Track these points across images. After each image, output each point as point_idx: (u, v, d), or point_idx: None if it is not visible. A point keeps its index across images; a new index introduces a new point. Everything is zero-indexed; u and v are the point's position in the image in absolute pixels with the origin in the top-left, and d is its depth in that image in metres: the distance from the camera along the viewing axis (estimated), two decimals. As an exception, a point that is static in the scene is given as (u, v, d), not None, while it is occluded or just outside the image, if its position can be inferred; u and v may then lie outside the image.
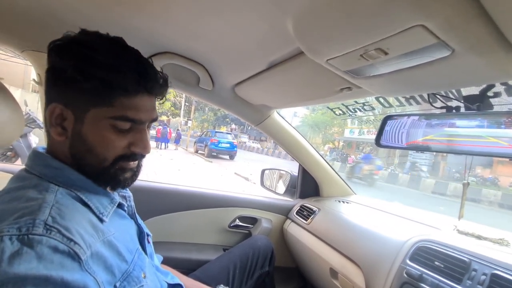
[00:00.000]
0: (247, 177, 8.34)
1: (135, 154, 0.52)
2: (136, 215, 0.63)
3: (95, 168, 0.50)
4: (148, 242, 0.64)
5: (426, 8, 0.39)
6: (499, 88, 0.63)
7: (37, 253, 0.35)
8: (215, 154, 13.76)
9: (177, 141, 17.21)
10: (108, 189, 0.54)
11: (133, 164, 0.54)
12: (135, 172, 0.55)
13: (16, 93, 7.41)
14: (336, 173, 1.52)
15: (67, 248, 0.38)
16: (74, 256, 0.38)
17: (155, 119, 0.54)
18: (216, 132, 15.00)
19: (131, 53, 0.50)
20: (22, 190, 0.44)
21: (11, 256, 0.34)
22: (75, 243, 0.39)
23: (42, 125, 1.06)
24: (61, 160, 0.50)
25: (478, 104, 0.63)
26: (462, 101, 0.66)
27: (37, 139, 4.44)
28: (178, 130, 18.50)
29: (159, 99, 0.55)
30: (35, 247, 0.36)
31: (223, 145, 13.52)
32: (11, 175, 0.72)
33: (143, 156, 0.55)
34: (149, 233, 0.66)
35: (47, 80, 0.50)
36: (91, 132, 0.48)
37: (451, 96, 0.70)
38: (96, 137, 0.48)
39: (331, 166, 1.50)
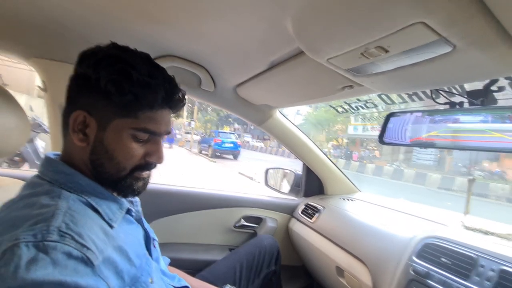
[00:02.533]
0: (252, 176, 8.34)
1: (150, 164, 0.55)
2: (143, 219, 0.64)
3: (113, 176, 0.52)
4: (154, 247, 0.65)
5: (427, 5, 0.39)
6: (503, 82, 0.62)
7: (52, 259, 0.36)
8: (219, 154, 13.78)
9: (171, 140, 17.49)
10: (120, 196, 0.55)
11: (147, 174, 0.56)
12: (146, 181, 0.57)
13: (21, 98, 7.49)
14: (340, 170, 1.51)
15: (80, 254, 0.39)
16: (87, 262, 0.39)
17: (169, 132, 0.56)
18: (220, 132, 15.02)
19: (159, 71, 0.52)
20: (35, 197, 0.45)
21: (28, 262, 0.35)
22: (88, 248, 0.40)
23: (48, 130, 1.07)
24: (77, 166, 0.51)
25: (482, 99, 0.62)
26: (466, 96, 0.66)
27: (44, 144, 4.49)
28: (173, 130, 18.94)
29: (174, 113, 0.58)
30: (50, 253, 0.36)
31: (227, 145, 13.54)
32: (18, 181, 0.74)
33: (156, 166, 0.57)
34: (155, 237, 0.67)
35: (72, 87, 0.51)
36: (112, 140, 0.50)
37: (454, 91, 0.69)
38: (117, 145, 0.50)
39: (334, 164, 1.50)
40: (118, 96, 0.47)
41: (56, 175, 0.49)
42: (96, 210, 0.48)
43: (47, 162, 0.52)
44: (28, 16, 0.72)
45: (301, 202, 1.52)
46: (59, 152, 0.56)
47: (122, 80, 0.47)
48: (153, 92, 0.49)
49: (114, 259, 0.44)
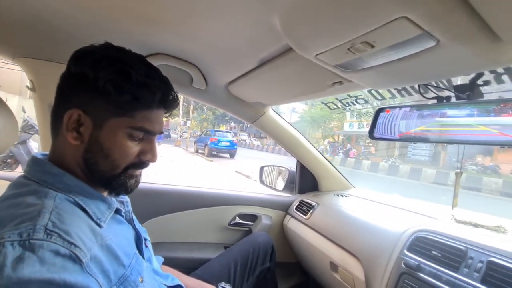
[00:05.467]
0: (248, 175, 8.35)
1: (143, 162, 0.55)
2: (134, 220, 0.64)
3: (107, 174, 0.52)
4: (146, 247, 0.65)
5: (409, 0, 0.39)
6: (488, 76, 0.63)
7: (39, 257, 0.36)
8: (215, 153, 13.77)
9: (160, 137, 17.44)
10: (112, 195, 0.55)
11: (139, 172, 0.57)
12: (138, 179, 0.58)
13: (14, 100, 7.37)
14: (334, 167, 1.52)
15: (68, 251, 0.38)
16: (76, 259, 0.39)
17: (162, 132, 0.57)
18: (216, 131, 15.00)
19: (155, 71, 0.53)
20: (21, 197, 0.44)
21: (13, 261, 0.35)
22: (76, 246, 0.40)
23: (38, 132, 1.06)
24: (67, 165, 0.51)
25: (468, 93, 0.63)
26: (453, 90, 0.66)
27: (37, 145, 4.44)
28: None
29: (167, 113, 0.59)
30: (36, 251, 0.36)
31: (223, 143, 13.53)
32: (9, 183, 0.73)
33: (148, 165, 0.57)
34: (147, 237, 0.67)
35: (65, 85, 0.51)
36: (108, 138, 0.50)
37: (441, 86, 0.70)
38: (112, 144, 0.50)
39: (328, 161, 1.51)
40: (117, 95, 0.48)
41: (44, 176, 0.49)
42: (84, 210, 0.48)
43: (34, 162, 0.51)
44: (15, 15, 0.71)
45: (295, 199, 1.52)
46: (46, 152, 0.55)
47: (121, 80, 0.48)
48: (151, 92, 0.50)
49: (100, 258, 0.44)
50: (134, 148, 0.52)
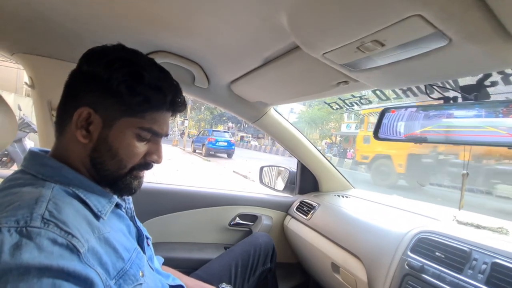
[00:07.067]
0: (246, 175, 8.34)
1: (148, 163, 0.56)
2: (135, 218, 0.63)
3: (113, 174, 0.52)
4: (148, 245, 0.64)
5: None
6: (496, 77, 0.63)
7: (37, 244, 0.36)
8: (213, 153, 13.74)
9: None
10: (116, 195, 0.55)
11: (143, 173, 0.57)
12: (141, 181, 0.58)
13: (9, 98, 7.31)
14: (335, 167, 1.52)
15: (65, 241, 0.38)
16: (73, 249, 0.39)
17: (167, 134, 0.58)
18: (213, 131, 14.97)
19: (166, 74, 0.55)
20: (17, 187, 0.44)
21: (11, 247, 0.34)
22: (73, 236, 0.39)
23: (37, 129, 1.04)
24: (69, 162, 0.50)
25: (475, 94, 0.63)
26: (459, 91, 0.66)
27: (33, 143, 4.39)
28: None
29: (173, 116, 0.59)
30: (34, 238, 0.36)
31: (221, 143, 13.51)
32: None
33: (153, 166, 0.58)
34: (149, 236, 0.66)
35: (75, 83, 0.51)
36: (117, 138, 0.50)
37: (448, 86, 0.70)
38: (121, 143, 0.51)
39: (329, 161, 1.51)
40: (129, 96, 0.49)
41: (41, 168, 0.48)
42: (83, 202, 0.48)
43: (32, 156, 0.51)
44: (13, 11, 0.70)
45: (296, 200, 1.52)
46: (45, 149, 0.55)
47: (134, 82, 0.49)
48: (162, 94, 0.52)
49: (98, 251, 0.43)
50: (141, 148, 0.53)
